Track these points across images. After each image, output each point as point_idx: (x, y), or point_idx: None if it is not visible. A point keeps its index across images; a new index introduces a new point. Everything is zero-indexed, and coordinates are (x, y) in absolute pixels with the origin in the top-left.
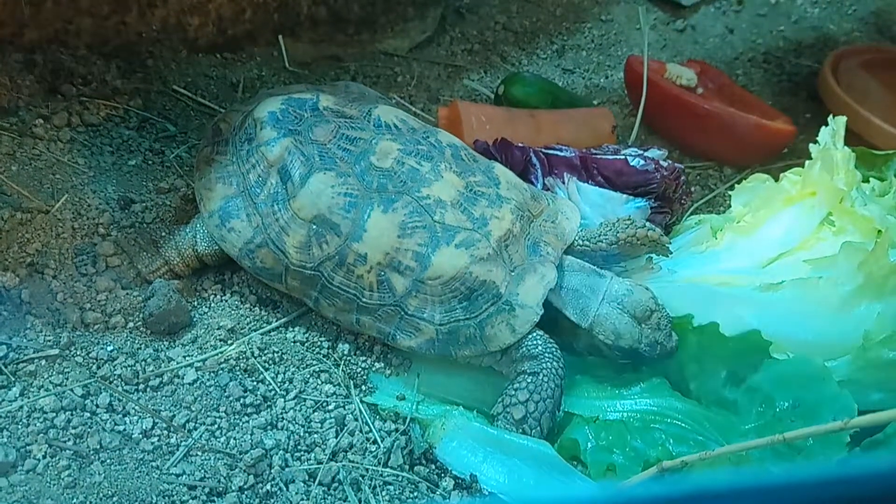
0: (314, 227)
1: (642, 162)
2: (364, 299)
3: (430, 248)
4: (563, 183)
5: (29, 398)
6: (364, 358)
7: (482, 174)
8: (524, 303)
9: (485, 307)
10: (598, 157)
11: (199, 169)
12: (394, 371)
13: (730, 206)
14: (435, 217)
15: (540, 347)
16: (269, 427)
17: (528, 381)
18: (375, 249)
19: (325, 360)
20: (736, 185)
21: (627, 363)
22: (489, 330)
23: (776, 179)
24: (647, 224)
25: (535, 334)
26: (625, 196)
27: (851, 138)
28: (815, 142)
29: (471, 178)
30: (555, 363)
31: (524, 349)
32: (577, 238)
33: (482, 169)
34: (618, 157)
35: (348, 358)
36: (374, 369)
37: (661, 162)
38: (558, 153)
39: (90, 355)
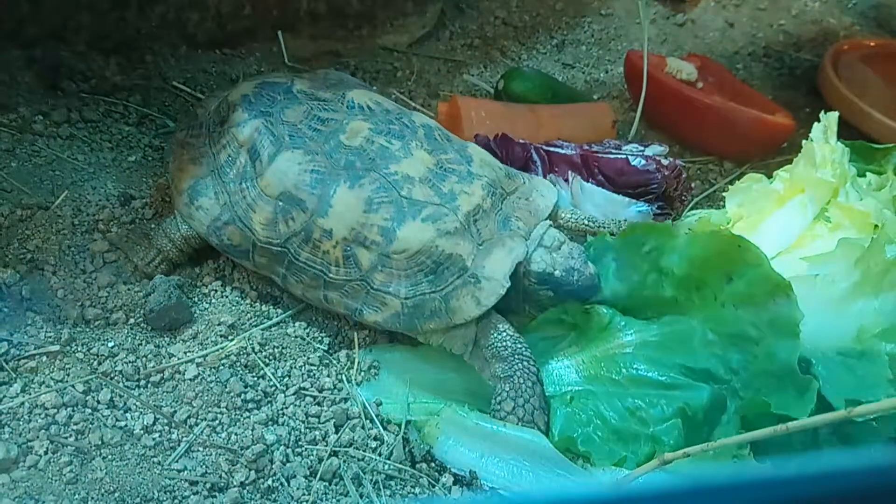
0: (280, 203)
1: (643, 161)
2: (331, 275)
3: (396, 222)
4: (566, 181)
5: (30, 394)
6: (363, 352)
7: (455, 152)
8: (490, 275)
9: (451, 280)
10: (600, 155)
11: (174, 152)
12: (366, 376)
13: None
14: (402, 192)
15: (509, 349)
16: (270, 422)
17: (507, 389)
18: (341, 224)
19: (325, 355)
20: (729, 186)
21: (562, 302)
22: (454, 302)
23: (773, 175)
24: None
25: (504, 333)
26: (627, 199)
27: (851, 132)
28: (809, 138)
29: (442, 156)
30: (525, 362)
31: (493, 349)
32: (582, 218)
33: (455, 148)
34: (619, 155)
35: (349, 353)
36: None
37: (663, 161)
38: (559, 150)
39: (91, 351)
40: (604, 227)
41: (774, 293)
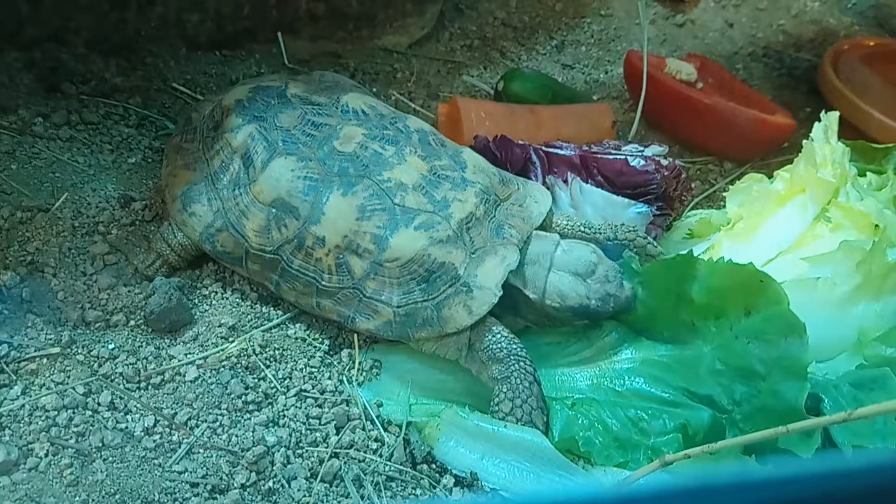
0: (273, 210)
1: (643, 162)
2: (323, 283)
3: (389, 230)
4: (566, 182)
5: (31, 396)
6: (363, 352)
7: (449, 158)
8: (482, 284)
9: (443, 289)
10: (599, 156)
11: (168, 157)
12: (367, 377)
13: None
14: (395, 200)
15: (504, 350)
16: (270, 424)
17: (504, 390)
18: (334, 232)
19: (326, 356)
20: (730, 187)
21: (584, 324)
22: (446, 311)
23: (773, 175)
24: (649, 239)
25: (499, 335)
26: (627, 201)
27: (851, 132)
28: (809, 138)
29: (436, 162)
30: (522, 362)
31: (489, 351)
32: (578, 224)
33: (449, 153)
34: (618, 156)
35: (350, 354)
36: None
37: (662, 161)
38: (558, 151)
39: (91, 353)
40: (600, 233)
41: (788, 333)
